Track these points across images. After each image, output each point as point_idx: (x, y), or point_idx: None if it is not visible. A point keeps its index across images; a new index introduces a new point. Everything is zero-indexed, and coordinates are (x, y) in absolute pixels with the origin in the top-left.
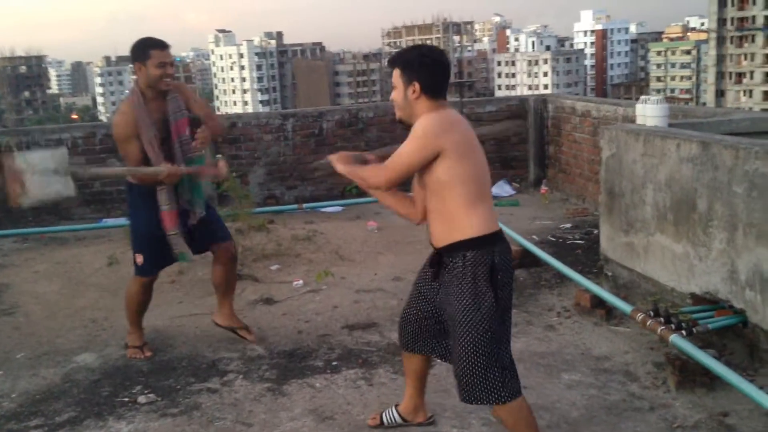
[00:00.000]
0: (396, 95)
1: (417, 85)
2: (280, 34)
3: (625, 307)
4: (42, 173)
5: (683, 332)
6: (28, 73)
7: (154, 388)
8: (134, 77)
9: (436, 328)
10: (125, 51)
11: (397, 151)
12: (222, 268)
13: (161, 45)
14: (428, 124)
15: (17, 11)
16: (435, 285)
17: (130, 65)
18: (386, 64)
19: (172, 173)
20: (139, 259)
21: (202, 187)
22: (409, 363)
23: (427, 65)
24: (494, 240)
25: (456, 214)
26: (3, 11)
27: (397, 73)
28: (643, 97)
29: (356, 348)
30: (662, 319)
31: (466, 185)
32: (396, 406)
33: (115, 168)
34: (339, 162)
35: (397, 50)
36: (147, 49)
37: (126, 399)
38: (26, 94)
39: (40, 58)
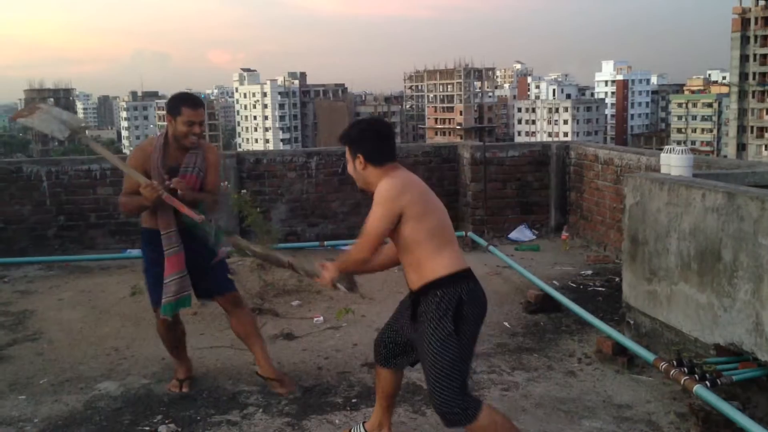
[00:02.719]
0: (349, 169)
1: (361, 157)
2: (303, 75)
3: (648, 355)
4: (53, 116)
5: (707, 383)
6: (55, 105)
7: (174, 418)
8: (166, 123)
9: (406, 349)
10: (151, 86)
11: (367, 220)
12: (231, 319)
13: (194, 104)
14: (384, 190)
15: (48, 46)
16: (408, 321)
17: (156, 101)
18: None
19: (151, 188)
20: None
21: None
22: (380, 379)
23: (367, 137)
24: (461, 277)
25: (424, 262)
26: (35, 46)
27: (347, 150)
28: (668, 146)
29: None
30: (686, 369)
31: (430, 238)
32: (363, 423)
33: (111, 154)
34: (327, 271)
35: (344, 129)
36: (180, 105)
37: (147, 428)
38: None
39: (68, 91)
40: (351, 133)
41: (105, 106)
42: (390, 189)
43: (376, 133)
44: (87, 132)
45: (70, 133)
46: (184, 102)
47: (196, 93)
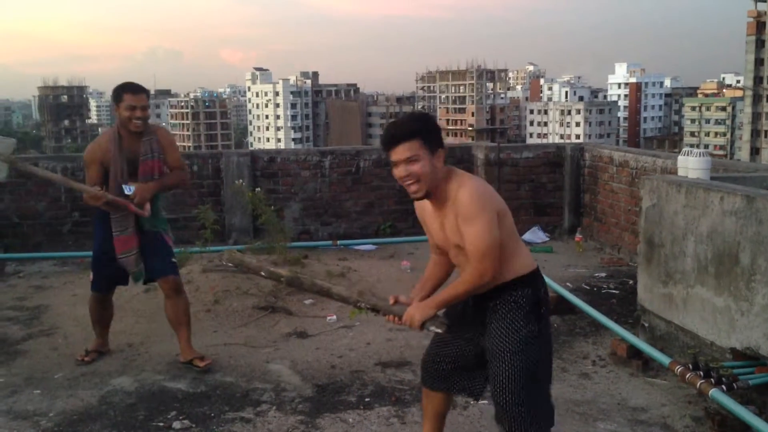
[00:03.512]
0: (421, 168)
1: (443, 152)
2: (315, 74)
3: (663, 358)
4: None
5: (723, 387)
6: (69, 102)
7: (188, 414)
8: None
9: (468, 367)
10: (164, 85)
11: (473, 236)
12: (167, 303)
13: (133, 90)
14: (478, 193)
15: (63, 43)
16: (471, 325)
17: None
18: (391, 141)
19: (95, 197)
20: (91, 276)
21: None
22: (430, 402)
23: (438, 129)
24: (536, 277)
25: (503, 262)
26: (50, 43)
27: (416, 145)
28: (685, 149)
29: (389, 385)
30: (701, 373)
31: (507, 240)
32: None
33: (48, 172)
34: (418, 311)
35: (396, 124)
36: (121, 92)
37: (161, 424)
38: (66, 122)
39: (81, 89)
40: (423, 124)
41: None
42: (483, 190)
43: (438, 126)
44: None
45: (9, 168)
46: (124, 89)
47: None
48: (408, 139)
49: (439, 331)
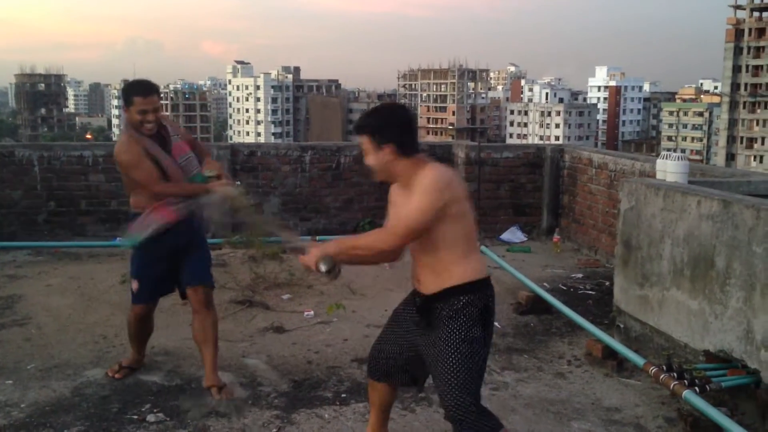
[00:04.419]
0: (371, 161)
1: (392, 146)
2: (297, 69)
3: (638, 359)
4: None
5: (696, 389)
6: (46, 90)
7: (163, 408)
8: (125, 116)
9: (407, 362)
10: (143, 75)
11: (405, 210)
12: (195, 319)
13: (144, 92)
14: (432, 179)
15: (41, 30)
16: (413, 326)
17: None
18: (354, 131)
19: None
20: (134, 285)
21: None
22: (375, 393)
23: (395, 125)
24: (486, 285)
25: (450, 265)
26: (28, 30)
27: (366, 140)
28: (664, 152)
29: (365, 382)
30: (675, 375)
31: (462, 241)
32: None
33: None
34: (315, 249)
35: (361, 116)
36: (131, 95)
37: (135, 417)
38: (43, 111)
39: (59, 77)
40: (374, 120)
41: (96, 94)
42: (439, 179)
43: (404, 121)
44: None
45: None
46: (134, 91)
47: (189, 84)
48: (359, 133)
49: (325, 272)
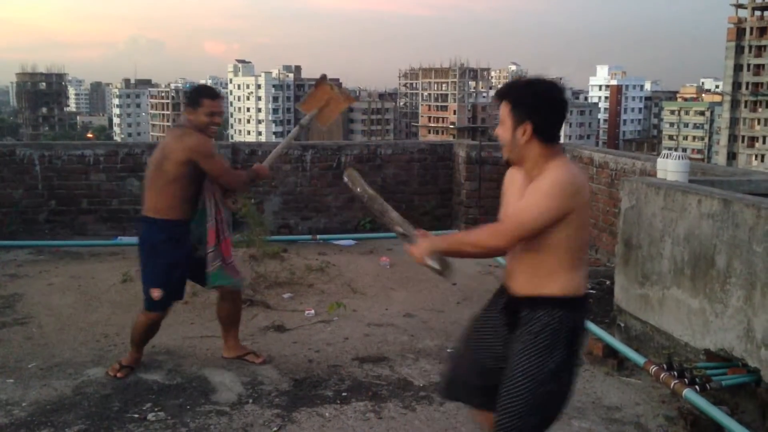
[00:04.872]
0: (502, 132)
1: (529, 127)
2: (298, 68)
3: (639, 358)
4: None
5: (697, 387)
6: (47, 89)
7: (164, 406)
8: (189, 117)
9: (488, 379)
10: (144, 74)
11: (520, 206)
12: (226, 305)
13: (213, 95)
14: (562, 182)
15: (43, 29)
16: (502, 332)
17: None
18: (493, 95)
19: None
20: (157, 293)
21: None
22: (480, 418)
23: (543, 105)
24: (582, 305)
25: (553, 271)
26: (29, 29)
27: (506, 109)
28: (665, 151)
29: (366, 381)
30: (675, 373)
31: (576, 251)
32: None
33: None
34: (425, 241)
35: (508, 82)
36: (200, 97)
37: (136, 415)
38: (44, 110)
39: (60, 76)
40: (523, 93)
41: (97, 93)
42: (570, 183)
43: (554, 103)
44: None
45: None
46: (204, 94)
47: (191, 83)
48: (500, 98)
49: (435, 269)
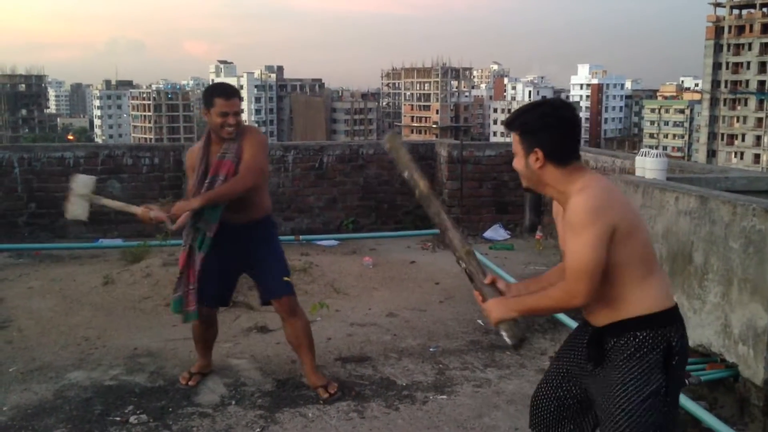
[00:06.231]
0: (516, 163)
1: (539, 153)
2: (280, 69)
3: None
4: (77, 196)
5: None
6: (27, 91)
7: (146, 409)
8: (205, 118)
9: (576, 413)
10: (125, 75)
11: (572, 250)
12: (286, 327)
13: (226, 94)
14: (592, 207)
15: (21, 30)
16: (587, 365)
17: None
18: (503, 126)
19: (145, 217)
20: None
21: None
22: None
23: (550, 126)
24: (670, 318)
25: (624, 293)
26: (7, 30)
27: (515, 138)
28: (643, 149)
29: (349, 380)
30: None
31: (638, 262)
32: None
33: (112, 201)
34: (501, 307)
35: (514, 111)
36: (213, 96)
37: (117, 419)
38: (23, 112)
39: (40, 78)
40: (528, 119)
41: (78, 94)
42: (596, 204)
43: (562, 122)
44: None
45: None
46: (217, 93)
47: (172, 84)
48: (508, 128)
49: (508, 341)
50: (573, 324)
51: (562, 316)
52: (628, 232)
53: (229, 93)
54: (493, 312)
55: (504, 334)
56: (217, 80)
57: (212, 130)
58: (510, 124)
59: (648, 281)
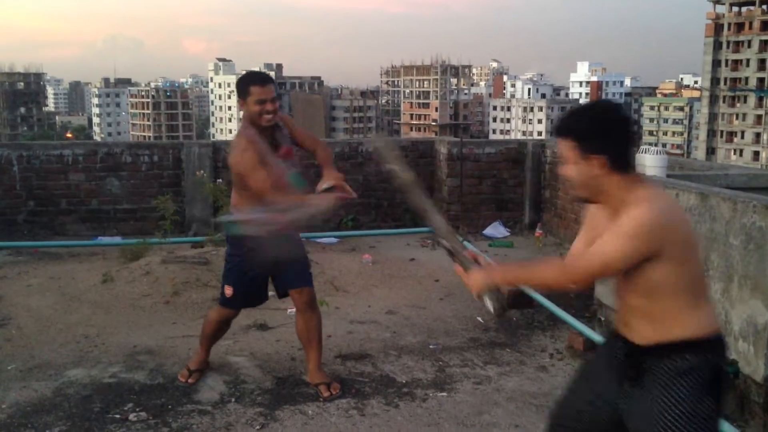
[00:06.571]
0: (572, 173)
1: (603, 160)
2: (279, 66)
3: None
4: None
5: None
6: (25, 89)
7: (145, 406)
8: (241, 109)
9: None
10: (124, 73)
11: (600, 246)
12: (299, 319)
13: (261, 81)
14: (651, 221)
15: (19, 28)
16: (614, 382)
17: (128, 88)
18: (553, 132)
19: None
20: (229, 291)
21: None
22: None
23: (613, 132)
24: (720, 344)
25: (673, 313)
26: (6, 28)
27: (568, 144)
28: (643, 146)
29: (349, 378)
30: None
31: (690, 286)
32: None
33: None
34: (482, 275)
35: (564, 116)
36: (247, 85)
37: (117, 416)
38: (22, 110)
39: (38, 76)
40: (584, 122)
41: (76, 92)
42: (652, 222)
43: (622, 126)
44: None
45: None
46: (252, 81)
47: (171, 82)
48: (560, 136)
49: (490, 309)
50: (573, 321)
51: (563, 313)
52: (682, 257)
53: (264, 80)
54: (478, 279)
55: (488, 301)
56: (217, 78)
57: (251, 120)
58: (565, 130)
59: (697, 306)
